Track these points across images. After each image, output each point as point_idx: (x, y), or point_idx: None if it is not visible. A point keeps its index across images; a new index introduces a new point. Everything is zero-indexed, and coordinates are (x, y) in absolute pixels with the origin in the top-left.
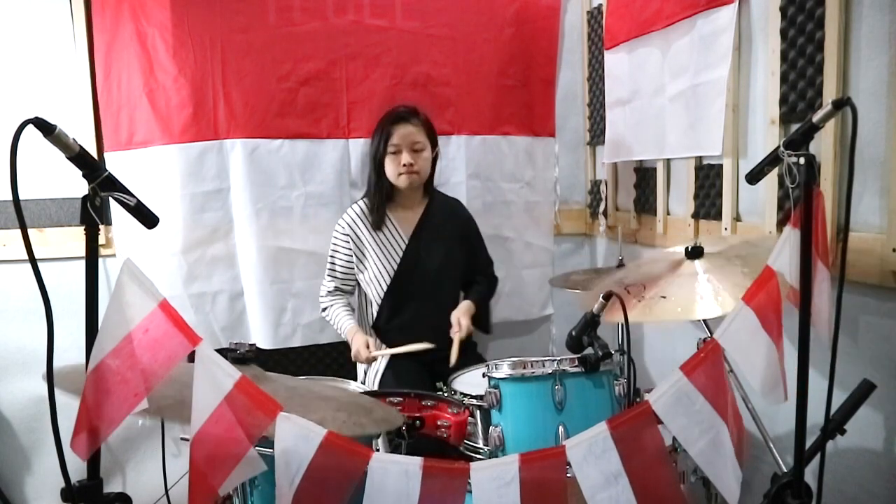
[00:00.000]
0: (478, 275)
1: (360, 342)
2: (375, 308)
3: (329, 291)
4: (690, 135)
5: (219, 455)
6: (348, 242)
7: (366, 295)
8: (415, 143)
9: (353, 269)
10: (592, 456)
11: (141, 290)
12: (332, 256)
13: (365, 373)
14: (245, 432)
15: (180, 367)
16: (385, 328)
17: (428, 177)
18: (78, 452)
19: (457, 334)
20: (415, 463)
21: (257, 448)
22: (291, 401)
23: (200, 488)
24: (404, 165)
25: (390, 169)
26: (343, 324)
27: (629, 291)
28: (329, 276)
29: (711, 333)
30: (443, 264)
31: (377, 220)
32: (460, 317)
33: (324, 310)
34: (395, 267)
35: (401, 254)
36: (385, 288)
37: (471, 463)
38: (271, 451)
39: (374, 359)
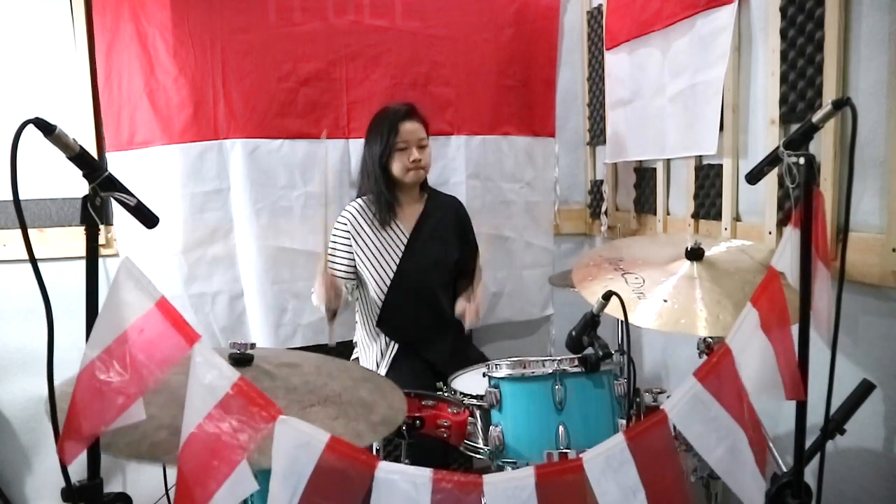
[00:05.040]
0: (466, 265)
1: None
2: (379, 304)
3: None
4: (688, 134)
5: (209, 465)
6: (348, 239)
7: (368, 291)
8: (421, 140)
9: (352, 265)
10: (611, 469)
11: (138, 288)
12: (331, 254)
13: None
14: (239, 441)
15: (173, 391)
16: (389, 323)
17: None
18: (63, 457)
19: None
20: (424, 474)
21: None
22: (288, 410)
23: (185, 502)
24: (413, 161)
25: (398, 165)
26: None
27: (615, 267)
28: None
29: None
30: (441, 259)
31: (385, 218)
32: (463, 306)
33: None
34: (398, 263)
35: (402, 250)
36: (388, 283)
37: (484, 476)
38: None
39: (332, 290)
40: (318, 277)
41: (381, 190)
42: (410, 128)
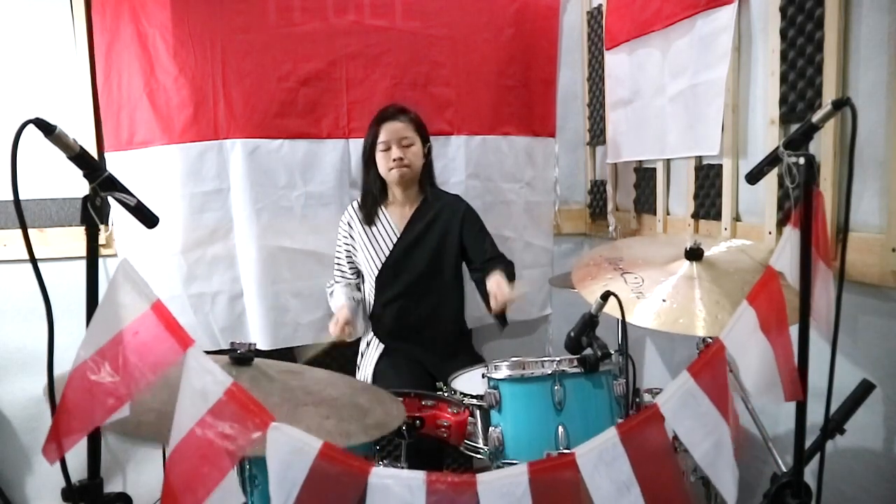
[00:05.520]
0: (488, 259)
1: (336, 317)
2: (371, 300)
3: (336, 281)
4: (689, 135)
5: (200, 471)
6: (347, 237)
7: (364, 286)
8: (403, 139)
9: (354, 261)
10: (603, 464)
11: (135, 291)
12: (337, 251)
13: (357, 367)
14: (228, 449)
15: (167, 379)
16: (378, 319)
17: (422, 174)
18: (49, 456)
19: (501, 301)
20: (418, 477)
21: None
22: (280, 407)
23: None
24: (394, 160)
25: (381, 165)
26: (336, 299)
27: (614, 266)
28: (336, 270)
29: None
30: (434, 258)
31: (368, 217)
32: (497, 288)
33: (331, 294)
34: (383, 260)
35: (390, 247)
36: (373, 281)
37: (477, 475)
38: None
39: (345, 334)
40: (332, 324)
41: (365, 190)
42: (393, 127)
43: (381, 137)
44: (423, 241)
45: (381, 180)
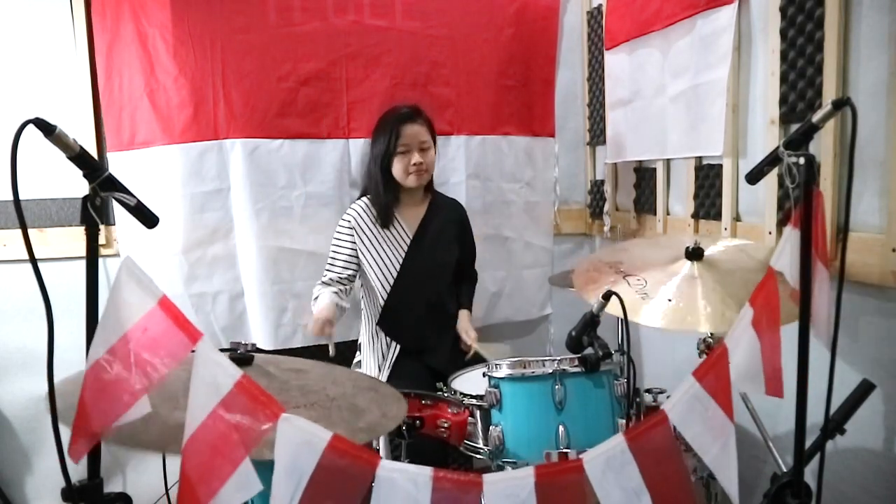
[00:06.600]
0: (464, 269)
1: (318, 315)
2: (381, 303)
3: (324, 282)
4: (691, 135)
5: (212, 463)
6: (352, 237)
7: (371, 291)
8: (423, 143)
9: (353, 264)
10: (612, 471)
11: (140, 288)
12: (333, 251)
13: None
14: (242, 438)
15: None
16: (391, 322)
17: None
18: (75, 456)
19: (472, 342)
20: (425, 473)
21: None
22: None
23: (188, 501)
24: (414, 165)
25: (399, 168)
26: (322, 300)
27: (615, 270)
28: (328, 269)
29: (711, 333)
30: (442, 260)
31: (385, 220)
32: (467, 329)
33: (315, 298)
34: (400, 263)
35: (405, 250)
36: (391, 283)
37: (484, 475)
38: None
39: (325, 334)
40: (314, 321)
41: (380, 193)
42: (412, 131)
43: (402, 140)
44: (437, 242)
45: (394, 183)
